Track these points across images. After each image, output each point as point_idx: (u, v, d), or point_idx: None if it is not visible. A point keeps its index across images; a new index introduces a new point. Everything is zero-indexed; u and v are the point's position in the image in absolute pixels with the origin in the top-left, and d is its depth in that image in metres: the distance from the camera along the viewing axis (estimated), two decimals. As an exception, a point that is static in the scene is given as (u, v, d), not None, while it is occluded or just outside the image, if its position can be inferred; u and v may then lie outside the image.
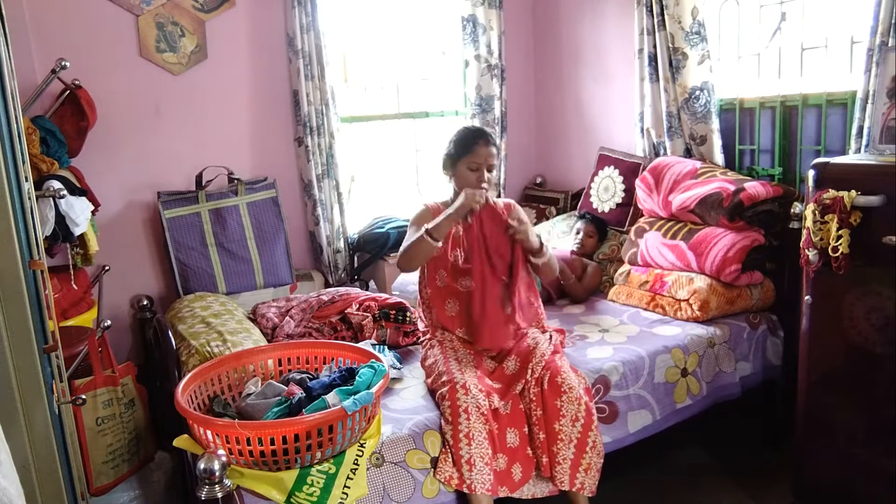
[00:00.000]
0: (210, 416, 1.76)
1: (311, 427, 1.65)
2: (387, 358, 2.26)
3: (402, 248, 2.24)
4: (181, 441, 1.78)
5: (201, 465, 1.49)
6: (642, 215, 3.04)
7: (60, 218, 2.18)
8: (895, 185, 1.76)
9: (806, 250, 1.93)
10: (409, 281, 3.22)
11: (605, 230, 3.17)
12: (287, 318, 2.56)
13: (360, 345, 2.18)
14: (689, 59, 2.87)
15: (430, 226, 2.13)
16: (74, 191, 2.34)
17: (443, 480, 1.88)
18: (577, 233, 3.13)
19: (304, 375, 2.01)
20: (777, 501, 2.29)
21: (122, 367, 2.36)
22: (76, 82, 2.65)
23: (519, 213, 2.40)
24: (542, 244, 2.24)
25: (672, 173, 2.85)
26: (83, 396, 1.83)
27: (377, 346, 2.34)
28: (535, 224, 3.56)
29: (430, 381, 2.14)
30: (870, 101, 2.20)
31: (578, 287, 2.95)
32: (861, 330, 1.88)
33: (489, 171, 2.24)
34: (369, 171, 3.66)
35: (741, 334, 2.59)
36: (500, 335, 2.24)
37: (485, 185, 2.22)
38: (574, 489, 1.96)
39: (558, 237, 3.34)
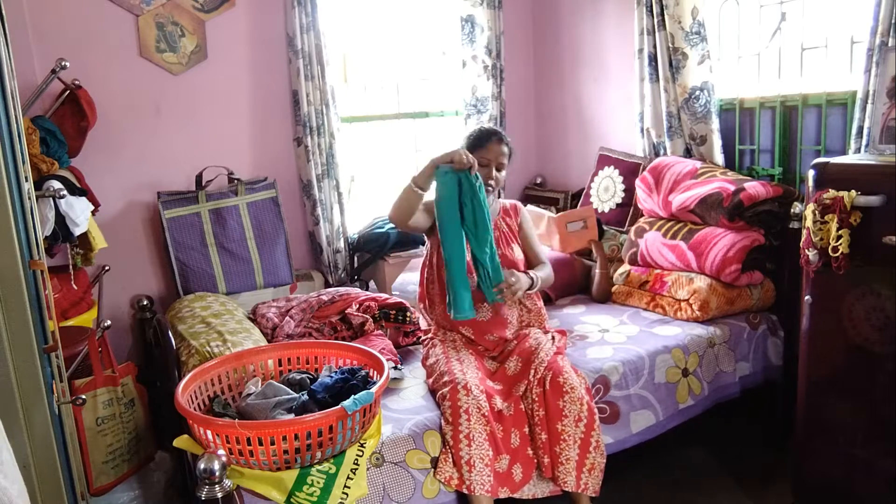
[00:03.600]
0: (210, 416, 1.76)
1: (311, 427, 1.65)
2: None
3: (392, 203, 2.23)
4: (181, 441, 1.78)
5: (201, 465, 1.49)
6: (642, 215, 3.04)
7: (60, 218, 2.18)
8: (895, 185, 1.76)
9: (806, 250, 1.93)
10: (409, 281, 3.21)
11: (599, 229, 3.17)
12: (287, 318, 2.56)
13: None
14: (689, 59, 2.87)
15: (416, 174, 2.14)
16: (74, 191, 2.34)
17: (443, 480, 1.88)
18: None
19: (304, 376, 2.01)
20: (777, 501, 2.29)
21: (122, 367, 2.36)
22: (76, 82, 2.65)
23: (524, 217, 2.42)
24: (532, 281, 2.28)
25: (672, 173, 2.85)
26: (83, 396, 1.83)
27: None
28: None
29: (430, 381, 2.14)
30: (870, 101, 2.20)
31: (602, 286, 2.95)
32: (861, 330, 1.88)
33: (498, 170, 2.31)
34: (369, 171, 3.66)
35: (741, 334, 2.59)
36: (501, 329, 2.28)
37: (492, 182, 2.29)
38: (579, 490, 1.96)
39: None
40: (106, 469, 2.25)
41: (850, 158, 2.06)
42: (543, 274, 2.36)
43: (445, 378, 2.03)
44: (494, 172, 2.29)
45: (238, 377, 2.05)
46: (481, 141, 2.31)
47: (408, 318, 2.50)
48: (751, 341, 2.62)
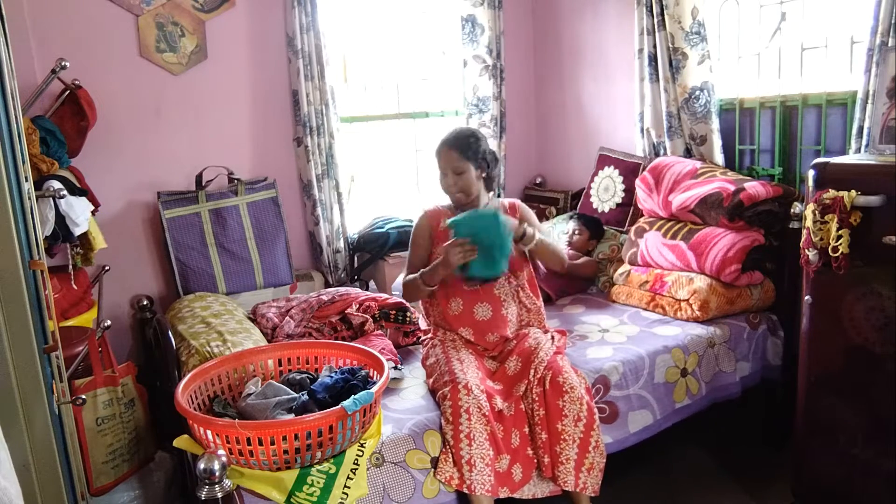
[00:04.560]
0: (210, 416, 1.76)
1: (311, 427, 1.65)
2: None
3: (404, 280, 2.36)
4: (181, 441, 1.78)
5: (201, 465, 1.49)
6: (642, 215, 3.04)
7: (60, 218, 2.18)
8: (895, 185, 1.76)
9: (806, 250, 1.93)
10: (409, 281, 3.21)
11: (597, 228, 3.18)
12: (287, 318, 2.56)
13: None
14: (689, 59, 2.87)
15: (426, 271, 2.22)
16: (74, 191, 2.34)
17: (443, 480, 1.88)
18: (569, 232, 3.18)
19: (304, 376, 2.01)
20: (777, 501, 2.29)
21: (122, 367, 2.36)
22: (76, 82, 2.65)
23: (525, 213, 2.41)
24: (524, 233, 2.23)
25: (672, 173, 2.85)
26: (83, 396, 1.83)
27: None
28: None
29: (431, 381, 2.14)
30: (870, 101, 2.20)
31: (572, 266, 2.99)
32: (861, 330, 1.88)
33: (457, 174, 2.25)
34: (369, 171, 3.66)
35: (741, 334, 2.59)
36: (501, 328, 2.27)
37: (452, 189, 2.28)
38: (578, 489, 1.96)
39: (558, 237, 3.34)
40: (106, 469, 2.25)
41: (850, 158, 2.06)
42: (556, 245, 2.37)
43: (446, 378, 2.03)
44: (454, 178, 2.25)
45: (238, 377, 2.05)
46: (437, 153, 2.31)
47: (408, 318, 2.50)
48: (751, 341, 2.62)
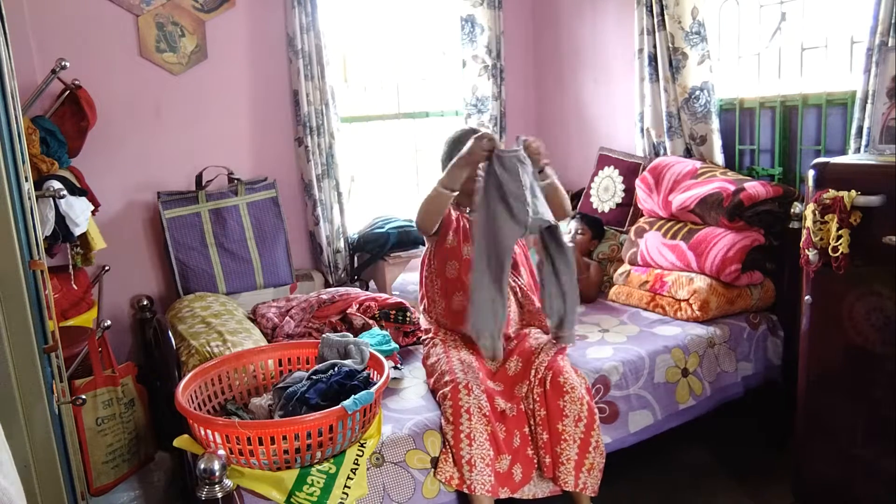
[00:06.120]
0: (210, 416, 1.76)
1: (311, 427, 1.65)
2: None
3: (419, 209, 2.25)
4: (181, 441, 1.78)
5: (201, 465, 1.49)
6: (642, 215, 3.04)
7: (60, 218, 2.18)
8: (895, 185, 1.76)
9: (806, 250, 1.93)
10: (409, 281, 3.22)
11: (598, 228, 3.17)
12: (287, 318, 2.56)
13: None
14: (689, 59, 2.87)
15: (442, 178, 2.14)
16: (74, 191, 2.34)
17: (443, 480, 1.88)
18: (571, 232, 3.17)
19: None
20: (777, 501, 2.29)
21: (123, 367, 2.36)
22: (76, 82, 2.65)
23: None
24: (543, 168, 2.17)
25: (672, 173, 2.85)
26: (83, 396, 1.84)
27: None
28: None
29: (431, 380, 2.14)
30: (870, 101, 2.20)
31: (585, 283, 2.95)
32: (861, 330, 1.88)
33: None
34: (369, 171, 3.66)
35: (741, 334, 2.59)
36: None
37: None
38: (578, 489, 1.96)
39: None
40: (106, 469, 2.25)
41: (850, 158, 2.06)
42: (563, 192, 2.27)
43: (447, 378, 2.03)
44: None
45: (238, 377, 2.05)
46: (461, 142, 2.19)
47: (408, 318, 2.50)
48: (751, 341, 2.62)
